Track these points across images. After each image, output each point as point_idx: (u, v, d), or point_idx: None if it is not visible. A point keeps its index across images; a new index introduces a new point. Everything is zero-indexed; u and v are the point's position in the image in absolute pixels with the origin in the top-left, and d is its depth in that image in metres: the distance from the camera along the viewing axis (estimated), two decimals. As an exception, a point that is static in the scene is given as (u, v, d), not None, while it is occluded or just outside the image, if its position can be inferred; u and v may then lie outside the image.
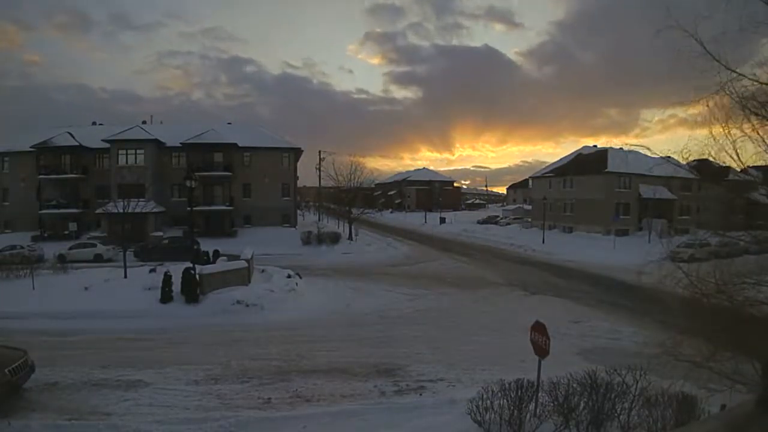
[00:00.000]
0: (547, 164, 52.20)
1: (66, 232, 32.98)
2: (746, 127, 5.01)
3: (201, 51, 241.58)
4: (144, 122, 40.41)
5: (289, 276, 19.74)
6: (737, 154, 5.12)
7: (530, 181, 51.20)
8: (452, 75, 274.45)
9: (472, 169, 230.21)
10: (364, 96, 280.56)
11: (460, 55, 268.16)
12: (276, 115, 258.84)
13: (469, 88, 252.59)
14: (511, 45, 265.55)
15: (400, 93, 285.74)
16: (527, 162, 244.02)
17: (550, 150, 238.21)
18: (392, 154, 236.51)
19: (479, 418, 6.46)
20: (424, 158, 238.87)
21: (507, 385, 6.52)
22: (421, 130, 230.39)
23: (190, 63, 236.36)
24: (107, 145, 34.08)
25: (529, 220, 46.91)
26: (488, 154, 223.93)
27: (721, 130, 5.09)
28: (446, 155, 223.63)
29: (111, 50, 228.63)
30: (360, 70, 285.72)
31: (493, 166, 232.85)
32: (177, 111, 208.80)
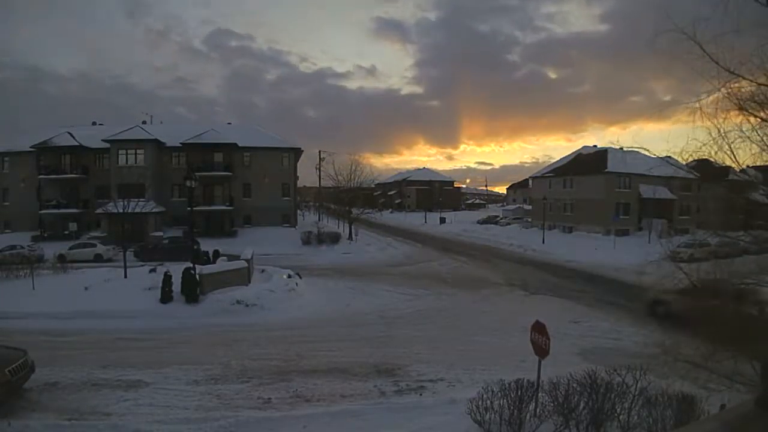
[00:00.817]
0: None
1: (66, 232, 32.99)
2: (745, 127, 5.04)
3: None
4: (144, 122, 40.48)
5: (289, 276, 19.74)
6: (733, 155, 5.14)
7: (530, 181, 51.22)
8: (455, 23, 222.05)
9: (474, 166, 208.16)
10: (336, 66, 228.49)
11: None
12: (227, 97, 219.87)
13: (479, 48, 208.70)
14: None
15: (383, 61, 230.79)
16: (535, 158, 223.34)
17: (564, 143, 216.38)
18: (388, 150, 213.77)
19: (479, 418, 6.46)
20: (424, 153, 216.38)
21: (507, 385, 6.52)
22: (417, 116, 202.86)
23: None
24: (107, 145, 34.11)
25: (529, 220, 46.91)
26: (496, 149, 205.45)
27: (720, 130, 5.11)
28: (449, 150, 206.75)
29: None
30: (317, 20, 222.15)
31: (499, 164, 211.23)
32: (108, 92, 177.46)
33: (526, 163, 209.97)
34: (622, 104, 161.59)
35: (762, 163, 5.50)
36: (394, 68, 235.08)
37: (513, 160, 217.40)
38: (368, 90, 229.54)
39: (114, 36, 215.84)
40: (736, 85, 4.86)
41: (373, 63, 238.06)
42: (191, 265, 16.78)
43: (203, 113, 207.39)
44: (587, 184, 38.62)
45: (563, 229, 40.33)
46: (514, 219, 52.54)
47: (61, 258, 24.40)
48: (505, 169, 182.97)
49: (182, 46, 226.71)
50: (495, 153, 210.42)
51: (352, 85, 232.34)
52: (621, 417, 6.25)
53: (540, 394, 6.65)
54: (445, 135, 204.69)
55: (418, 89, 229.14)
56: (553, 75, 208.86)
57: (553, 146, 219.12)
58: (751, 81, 4.84)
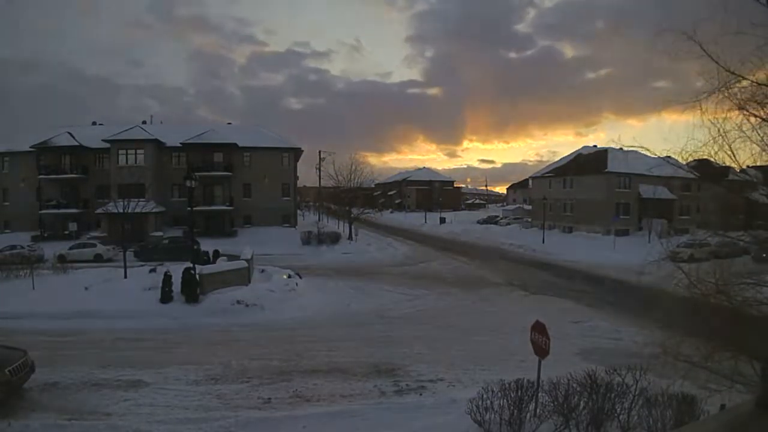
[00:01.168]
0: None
1: (66, 232, 32.96)
2: (745, 127, 5.03)
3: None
4: (144, 122, 40.47)
5: (289, 276, 19.74)
6: (733, 155, 5.14)
7: (530, 181, 51.22)
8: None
9: (476, 165, 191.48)
10: (313, 42, 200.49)
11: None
12: (196, 87, 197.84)
13: (483, 11, 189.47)
14: None
15: (370, 37, 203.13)
16: (540, 155, 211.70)
17: (572, 138, 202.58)
18: (387, 148, 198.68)
19: (479, 418, 6.46)
20: (425, 151, 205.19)
21: (507, 385, 6.52)
22: (415, 109, 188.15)
23: None
24: (107, 145, 34.07)
25: (529, 220, 46.90)
26: (500, 146, 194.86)
27: (720, 130, 5.11)
28: (451, 147, 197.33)
29: None
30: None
31: (501, 162, 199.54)
32: (50, 78, 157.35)
33: (529, 161, 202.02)
34: (644, 91, 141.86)
35: (762, 163, 5.50)
36: (383, 46, 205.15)
37: (516, 158, 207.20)
38: (354, 74, 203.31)
39: (36, 8, 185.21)
40: (736, 85, 4.86)
41: (357, 37, 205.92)
42: (191, 265, 16.77)
43: (173, 105, 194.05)
44: (587, 184, 38.61)
45: (563, 229, 40.31)
46: (514, 219, 52.55)
47: (61, 258, 24.39)
48: (507, 168, 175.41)
49: (123, 18, 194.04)
50: (499, 150, 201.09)
51: (335, 68, 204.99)
52: (621, 417, 6.25)
53: (540, 394, 6.65)
54: (446, 131, 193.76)
55: (413, 75, 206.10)
56: (569, 53, 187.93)
57: (561, 142, 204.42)
58: (752, 81, 4.84)
